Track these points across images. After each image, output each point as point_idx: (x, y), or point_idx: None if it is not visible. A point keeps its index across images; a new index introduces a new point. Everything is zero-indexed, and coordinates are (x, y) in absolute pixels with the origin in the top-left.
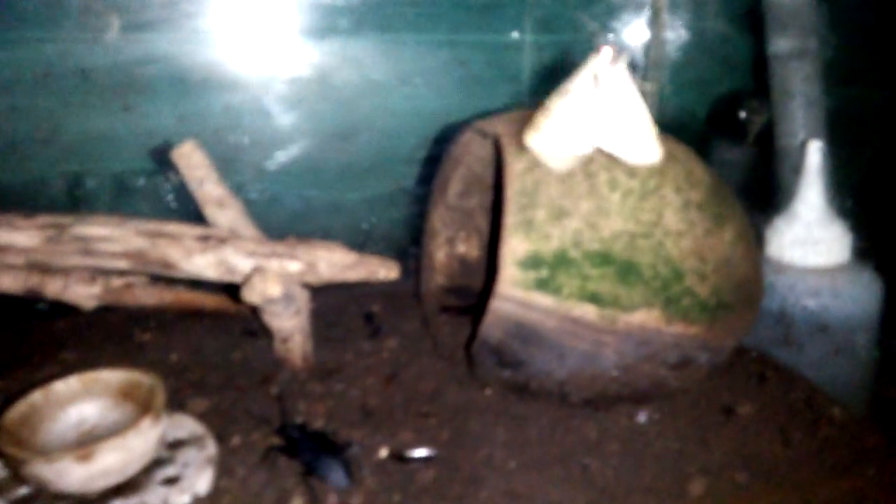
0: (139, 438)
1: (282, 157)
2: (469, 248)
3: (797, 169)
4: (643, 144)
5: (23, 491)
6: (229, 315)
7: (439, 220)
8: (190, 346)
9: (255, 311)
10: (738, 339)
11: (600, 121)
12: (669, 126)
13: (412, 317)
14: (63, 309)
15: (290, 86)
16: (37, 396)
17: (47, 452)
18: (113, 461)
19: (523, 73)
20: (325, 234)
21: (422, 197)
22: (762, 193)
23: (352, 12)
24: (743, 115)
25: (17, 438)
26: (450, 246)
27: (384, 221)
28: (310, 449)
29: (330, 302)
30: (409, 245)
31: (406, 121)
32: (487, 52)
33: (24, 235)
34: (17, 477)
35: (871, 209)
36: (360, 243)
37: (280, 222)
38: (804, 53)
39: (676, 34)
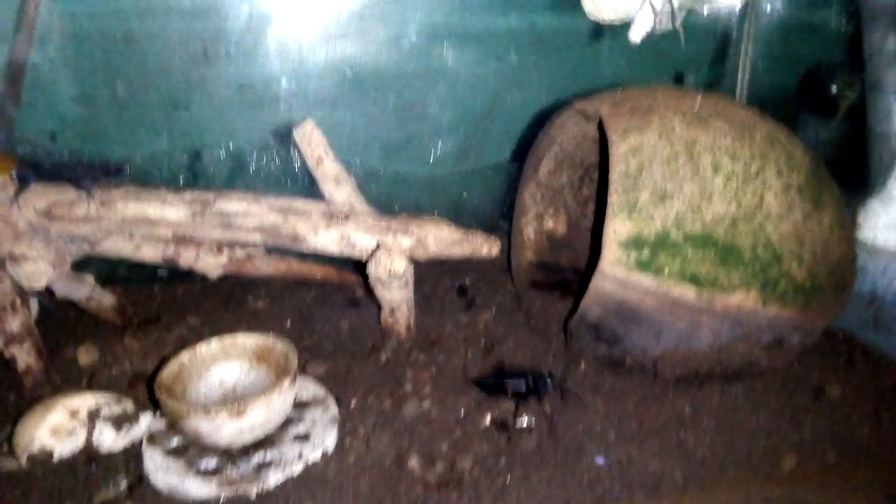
0: (280, 398)
1: (376, 133)
2: (557, 224)
3: (892, 153)
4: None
5: (174, 442)
6: (334, 285)
7: (530, 196)
8: (301, 314)
9: (365, 281)
10: (829, 321)
11: None
12: (761, 98)
13: (503, 290)
14: (180, 275)
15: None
16: (185, 357)
17: (206, 407)
18: (260, 417)
19: None
20: (417, 208)
21: (513, 173)
22: (852, 170)
23: None
24: (834, 89)
25: (174, 394)
26: (539, 222)
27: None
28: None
29: (424, 274)
30: (498, 219)
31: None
32: None
33: (173, 210)
34: (171, 429)
35: None
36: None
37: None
38: None
39: (771, 7)
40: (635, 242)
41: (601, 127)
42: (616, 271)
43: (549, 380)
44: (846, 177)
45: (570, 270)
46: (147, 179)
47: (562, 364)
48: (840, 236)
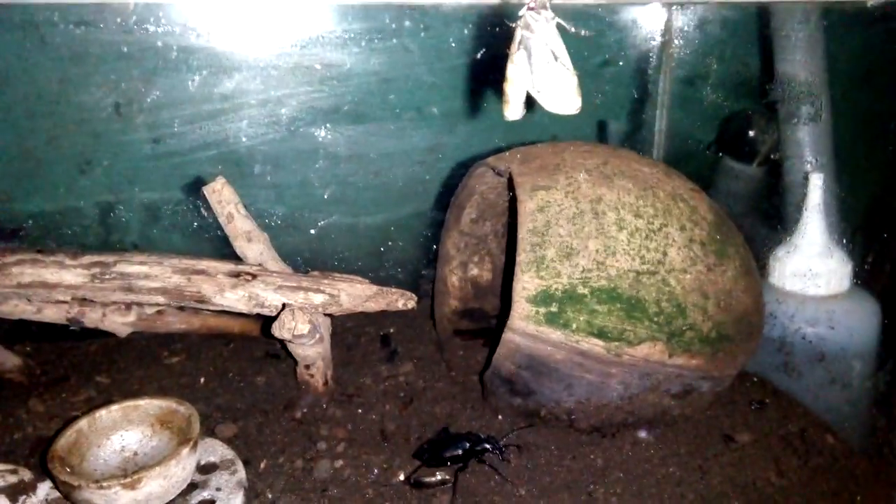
0: (179, 466)
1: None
2: (481, 271)
3: (800, 201)
4: (565, 95)
5: None
6: (253, 337)
7: (453, 245)
8: (216, 370)
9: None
10: (739, 369)
11: (532, 67)
12: (681, 144)
13: (426, 340)
14: (93, 331)
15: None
16: (83, 424)
17: (98, 480)
18: (156, 488)
19: None
20: (342, 257)
21: (436, 222)
22: (769, 213)
23: None
24: (752, 134)
25: (68, 464)
26: (463, 270)
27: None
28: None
29: (348, 322)
30: (422, 267)
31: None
32: None
33: (71, 274)
34: (68, 500)
35: (880, 232)
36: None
37: (297, 245)
38: (811, 86)
39: (686, 56)
40: (543, 298)
41: (511, 182)
42: (525, 326)
43: (487, 444)
44: (767, 220)
45: (495, 317)
46: (58, 234)
47: (479, 417)
48: (745, 286)
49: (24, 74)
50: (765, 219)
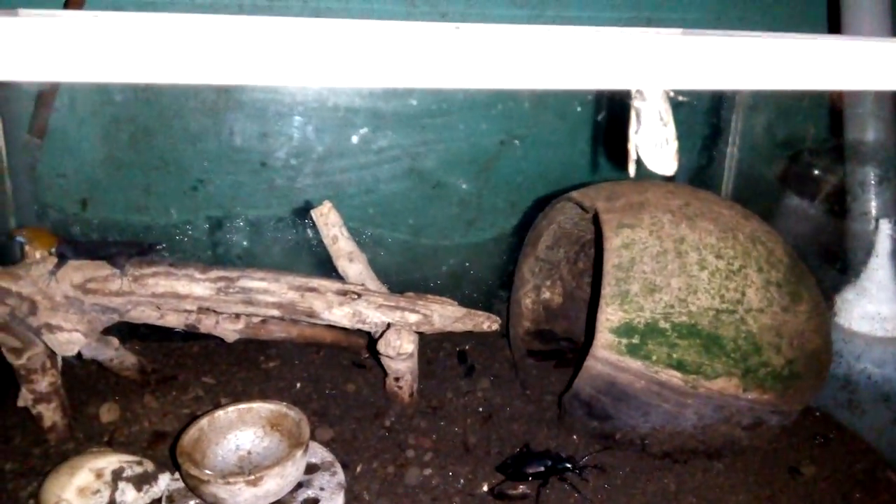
0: (294, 467)
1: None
2: (553, 294)
3: (868, 245)
4: (666, 157)
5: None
6: (341, 347)
7: (529, 270)
8: (310, 376)
9: (371, 346)
10: (806, 403)
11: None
12: (748, 178)
13: (501, 357)
14: (195, 333)
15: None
16: (204, 423)
17: (225, 475)
18: (274, 486)
19: None
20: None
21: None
22: (835, 249)
23: None
24: (816, 172)
25: (193, 459)
26: (536, 293)
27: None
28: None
29: (427, 338)
30: (497, 288)
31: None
32: None
33: (200, 287)
34: (190, 492)
35: None
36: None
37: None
38: (879, 146)
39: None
40: (626, 330)
41: (596, 218)
42: (607, 355)
43: (568, 464)
44: (830, 253)
45: (564, 339)
46: (173, 244)
47: (555, 436)
48: (816, 327)
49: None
50: (828, 257)
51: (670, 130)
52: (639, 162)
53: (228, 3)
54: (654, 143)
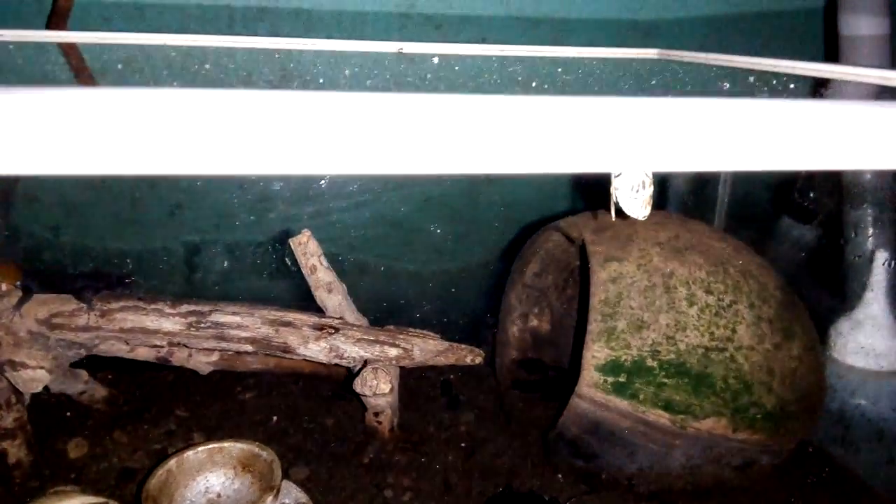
0: None
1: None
2: (541, 322)
3: (863, 280)
4: (640, 202)
5: None
6: (321, 377)
7: (516, 298)
8: (288, 408)
9: (344, 383)
10: (797, 442)
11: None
12: (742, 202)
13: (486, 387)
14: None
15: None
16: (172, 464)
17: None
18: None
19: None
20: (406, 303)
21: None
22: (829, 273)
23: None
24: (812, 196)
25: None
26: (523, 321)
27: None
28: None
29: (410, 368)
30: (483, 315)
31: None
32: None
33: (170, 322)
34: None
35: None
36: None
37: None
38: (875, 177)
39: None
40: (612, 368)
41: (583, 249)
42: (593, 393)
43: None
44: (824, 278)
45: (553, 368)
46: (148, 270)
47: (540, 475)
48: (809, 364)
49: None
50: (822, 282)
51: (647, 174)
52: (618, 204)
53: (219, 12)
54: (631, 186)
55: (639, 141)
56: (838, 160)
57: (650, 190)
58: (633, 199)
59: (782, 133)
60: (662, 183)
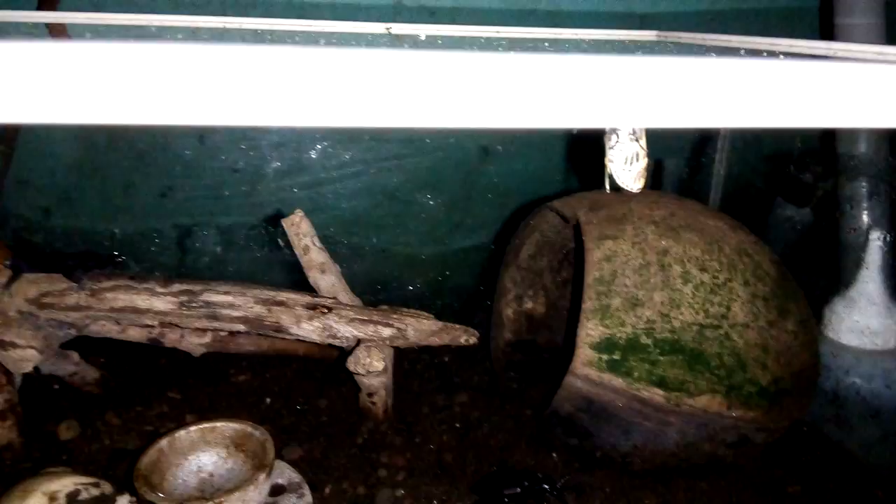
0: (256, 491)
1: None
2: (535, 304)
3: (858, 257)
4: (635, 174)
5: None
6: (314, 359)
7: (510, 280)
8: (281, 390)
9: (337, 361)
10: (792, 420)
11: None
12: (738, 184)
13: (481, 368)
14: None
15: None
16: (164, 443)
17: (183, 500)
18: None
19: None
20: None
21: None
22: (821, 256)
23: None
24: (808, 178)
25: (151, 483)
26: (518, 303)
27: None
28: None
29: (404, 349)
30: (479, 298)
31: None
32: None
33: (161, 301)
34: None
35: None
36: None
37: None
38: (870, 157)
39: None
40: (607, 345)
41: (577, 228)
42: (587, 371)
43: (546, 485)
44: (819, 260)
45: (547, 350)
46: (140, 253)
47: (534, 453)
48: (803, 342)
49: None
50: (817, 264)
51: (642, 146)
52: (612, 177)
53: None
54: (625, 158)
55: (629, 96)
56: (832, 117)
57: (643, 162)
58: (627, 171)
59: (773, 90)
60: (658, 163)
